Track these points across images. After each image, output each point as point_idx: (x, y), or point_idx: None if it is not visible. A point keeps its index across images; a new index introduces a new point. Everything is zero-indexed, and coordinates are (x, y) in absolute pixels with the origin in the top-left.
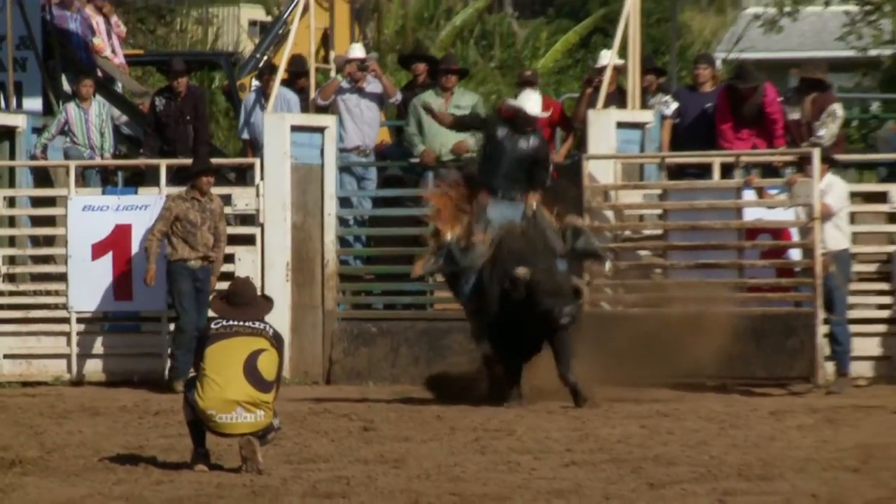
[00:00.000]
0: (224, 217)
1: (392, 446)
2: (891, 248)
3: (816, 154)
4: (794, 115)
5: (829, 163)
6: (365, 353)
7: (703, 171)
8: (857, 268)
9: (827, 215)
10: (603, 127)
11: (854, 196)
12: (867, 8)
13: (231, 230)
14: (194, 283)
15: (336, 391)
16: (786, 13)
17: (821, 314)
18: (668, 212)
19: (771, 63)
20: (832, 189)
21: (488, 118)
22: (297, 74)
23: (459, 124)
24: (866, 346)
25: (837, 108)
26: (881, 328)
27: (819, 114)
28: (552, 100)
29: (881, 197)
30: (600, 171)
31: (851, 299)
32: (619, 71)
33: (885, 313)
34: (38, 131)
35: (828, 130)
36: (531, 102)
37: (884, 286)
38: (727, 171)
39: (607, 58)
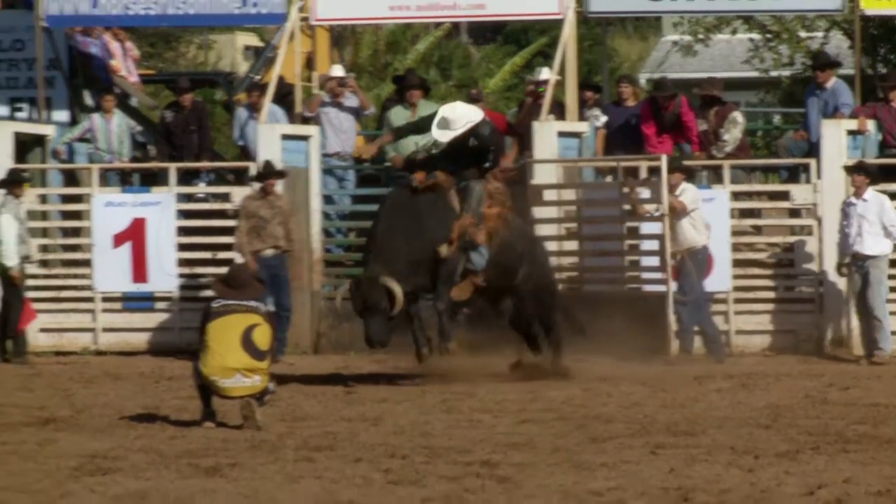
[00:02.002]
0: (294, 213)
1: (371, 406)
2: (793, 239)
3: (664, 160)
4: (702, 127)
5: (684, 171)
6: (347, 327)
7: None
8: (765, 255)
9: (681, 212)
10: (546, 136)
11: (760, 195)
12: (768, 35)
13: (233, 223)
14: (268, 270)
15: (323, 360)
16: (700, 40)
17: (672, 296)
18: (581, 207)
19: (687, 82)
20: (684, 193)
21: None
22: (283, 94)
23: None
24: (775, 321)
25: (738, 116)
26: (786, 307)
27: (722, 122)
28: (496, 113)
29: (784, 195)
30: (544, 173)
31: (760, 282)
32: (554, 86)
33: (789, 294)
34: None
35: (731, 135)
36: (447, 128)
37: (788, 270)
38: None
39: (544, 73)
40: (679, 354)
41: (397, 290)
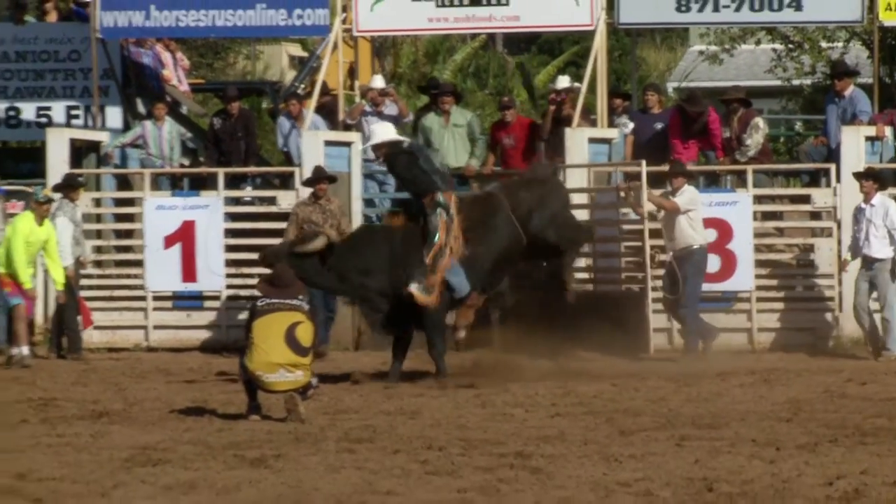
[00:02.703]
0: (346, 215)
1: (409, 400)
2: (813, 240)
3: (643, 165)
4: (726, 134)
5: (686, 175)
6: None
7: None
8: (786, 255)
9: (674, 210)
10: (577, 142)
11: (782, 198)
12: (790, 46)
13: (279, 225)
14: None
15: (363, 356)
16: (725, 50)
17: (650, 295)
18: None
19: (713, 90)
20: (684, 194)
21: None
22: (322, 94)
23: None
24: (795, 319)
25: (760, 121)
26: (806, 305)
27: (745, 128)
28: (524, 117)
29: (805, 199)
30: (576, 177)
31: (781, 282)
32: (575, 92)
33: (808, 293)
34: None
35: (753, 140)
36: (375, 134)
37: (808, 271)
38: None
39: (564, 82)
40: (685, 353)
41: (319, 242)
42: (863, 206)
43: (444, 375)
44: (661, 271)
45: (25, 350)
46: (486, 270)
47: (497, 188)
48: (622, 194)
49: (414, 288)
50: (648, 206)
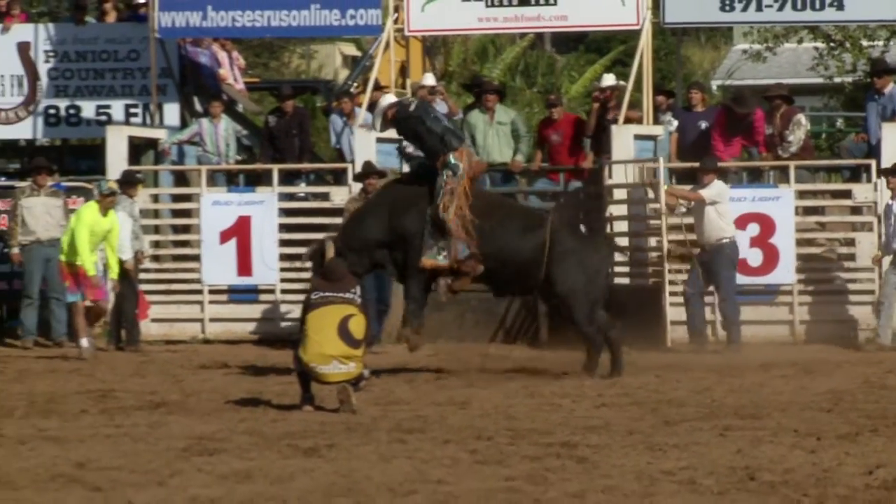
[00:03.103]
0: None
1: (459, 391)
2: (854, 235)
3: (661, 161)
4: (769, 130)
5: (716, 170)
6: (437, 317)
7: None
8: (827, 249)
9: (699, 201)
10: (623, 139)
11: (824, 193)
12: (832, 44)
13: (330, 220)
14: None
15: None
16: (768, 48)
17: (668, 289)
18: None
19: (756, 88)
20: (712, 187)
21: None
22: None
23: None
24: (836, 312)
25: (801, 118)
26: (846, 298)
27: (787, 125)
28: (572, 114)
29: (846, 194)
30: (621, 173)
31: (823, 275)
32: (620, 90)
33: (849, 286)
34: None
35: (795, 136)
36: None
37: (849, 264)
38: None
39: (609, 80)
40: (728, 346)
41: (329, 251)
42: (890, 202)
43: (414, 323)
44: (678, 265)
45: (85, 343)
46: (486, 253)
47: (555, 216)
48: (648, 190)
49: (430, 258)
50: (672, 201)
